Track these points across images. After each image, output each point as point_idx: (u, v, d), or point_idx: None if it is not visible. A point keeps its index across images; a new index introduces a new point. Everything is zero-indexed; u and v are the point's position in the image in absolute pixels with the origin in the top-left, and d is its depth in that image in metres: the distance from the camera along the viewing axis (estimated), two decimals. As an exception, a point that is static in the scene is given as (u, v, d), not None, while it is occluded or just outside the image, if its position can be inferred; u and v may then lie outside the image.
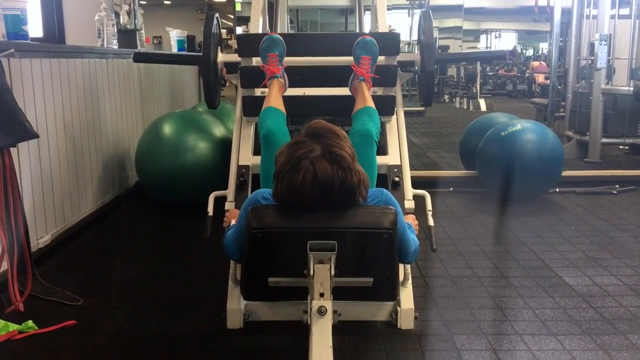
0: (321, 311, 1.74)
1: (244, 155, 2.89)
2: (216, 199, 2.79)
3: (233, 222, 2.22)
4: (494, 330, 2.46)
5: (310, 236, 1.72)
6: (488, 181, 4.62)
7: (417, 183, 4.19)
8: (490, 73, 15.61)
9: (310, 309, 1.78)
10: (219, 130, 4.14)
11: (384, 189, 1.97)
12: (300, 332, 2.02)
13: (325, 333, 1.75)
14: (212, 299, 2.70)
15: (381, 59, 2.91)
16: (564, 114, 7.23)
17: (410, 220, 2.34)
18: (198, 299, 2.80)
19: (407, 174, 2.82)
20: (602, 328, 2.46)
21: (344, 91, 2.91)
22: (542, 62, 14.72)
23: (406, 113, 4.40)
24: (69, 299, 2.74)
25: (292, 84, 2.87)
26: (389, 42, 2.95)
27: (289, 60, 2.89)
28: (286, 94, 2.81)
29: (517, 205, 4.34)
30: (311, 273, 1.74)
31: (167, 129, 4.06)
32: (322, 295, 1.76)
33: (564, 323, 2.51)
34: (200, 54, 3.16)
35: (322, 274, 1.75)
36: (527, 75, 14.85)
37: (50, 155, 3.27)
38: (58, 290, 2.80)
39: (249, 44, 2.97)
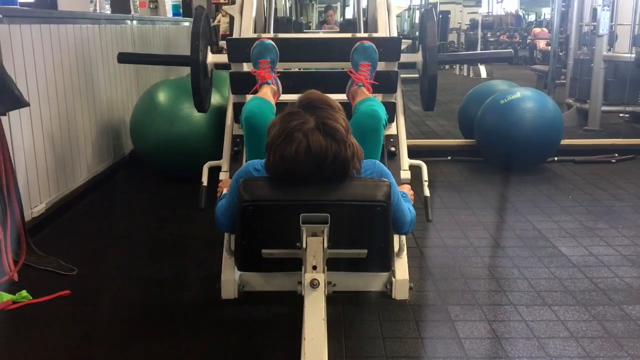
0: (314, 284, 1.73)
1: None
2: (210, 168, 2.77)
3: (225, 191, 2.19)
4: (489, 300, 2.46)
5: (303, 209, 1.69)
6: (486, 150, 4.58)
7: (415, 152, 4.16)
8: (492, 39, 15.43)
9: (304, 281, 1.76)
10: (214, 99, 4.05)
11: (377, 160, 1.94)
12: (295, 303, 2.02)
13: (318, 306, 1.74)
14: (207, 268, 2.70)
15: (380, 64, 2.74)
16: (564, 81, 7.15)
17: (406, 189, 2.32)
18: (193, 269, 2.80)
19: (404, 144, 2.78)
20: (597, 299, 2.46)
21: (341, 98, 2.77)
22: (544, 29, 14.53)
23: (405, 80, 4.31)
24: (63, 268, 2.73)
25: (286, 90, 2.69)
26: (389, 47, 2.77)
27: (282, 65, 2.73)
28: (279, 100, 2.64)
29: (515, 174, 4.32)
30: (304, 246, 1.72)
31: (162, 97, 4.00)
32: (314, 268, 1.75)
33: (559, 294, 2.51)
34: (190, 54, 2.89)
35: (314, 246, 1.73)
36: (528, 41, 14.68)
37: (42, 123, 3.23)
38: (52, 259, 2.79)
39: (240, 49, 2.77)
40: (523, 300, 2.45)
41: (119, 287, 2.59)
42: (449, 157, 4.76)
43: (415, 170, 2.74)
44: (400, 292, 2.45)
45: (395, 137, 2.79)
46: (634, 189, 4.02)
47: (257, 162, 1.92)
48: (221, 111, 3.85)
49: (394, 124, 2.82)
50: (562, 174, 4.40)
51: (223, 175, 2.71)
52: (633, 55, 5.73)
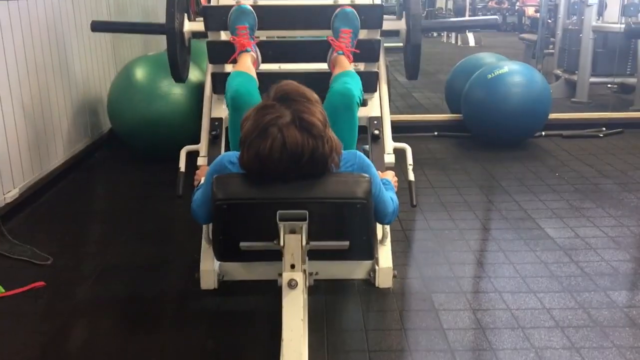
0: (291, 284, 1.67)
1: (217, 106, 2.74)
2: (188, 153, 2.68)
3: (202, 180, 2.11)
4: (474, 287, 2.42)
5: (279, 206, 1.62)
6: (473, 125, 4.51)
7: (401, 127, 4.11)
8: (480, 5, 15.21)
9: (282, 280, 1.70)
10: (194, 75, 3.94)
11: (357, 151, 1.85)
12: (277, 291, 1.95)
13: (297, 306, 1.68)
14: (188, 256, 2.62)
15: (362, 32, 2.67)
16: (553, 50, 7.05)
17: (390, 177, 2.24)
18: (173, 256, 2.73)
19: (388, 127, 2.69)
20: (583, 284, 2.43)
21: (323, 66, 2.67)
22: (533, -6, 14.29)
23: (392, 49, 4.19)
24: (38, 257, 2.65)
25: (266, 60, 2.63)
26: (371, 14, 2.68)
27: (261, 33, 2.67)
28: (259, 70, 2.57)
29: (502, 150, 4.26)
30: (281, 244, 1.65)
31: (140, 74, 3.86)
32: (292, 266, 1.68)
33: (545, 279, 2.47)
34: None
35: (292, 244, 1.66)
36: (517, 7, 14.48)
37: (13, 103, 3.10)
38: (27, 248, 2.71)
39: (217, 16, 2.68)
40: (508, 287, 2.41)
41: (96, 278, 2.52)
42: (436, 133, 4.68)
43: (399, 153, 2.67)
44: (384, 280, 2.40)
45: (379, 119, 2.70)
46: (621, 165, 3.98)
47: (233, 154, 1.83)
48: (201, 88, 3.72)
49: (377, 105, 2.74)
50: (549, 150, 4.35)
51: (201, 161, 2.62)
52: (622, 26, 5.63)
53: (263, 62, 2.60)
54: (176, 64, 2.81)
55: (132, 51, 4.95)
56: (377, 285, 2.40)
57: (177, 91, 3.81)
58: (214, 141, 2.64)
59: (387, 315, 2.22)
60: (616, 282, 2.45)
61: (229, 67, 2.79)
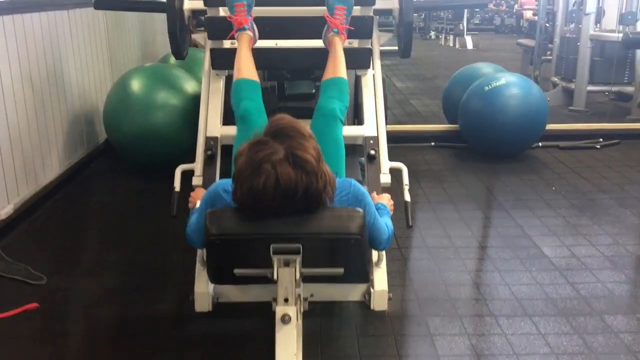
0: (284, 320, 1.66)
1: (212, 125, 2.73)
2: (183, 172, 2.66)
3: (198, 203, 2.10)
4: (469, 311, 2.41)
5: (273, 241, 1.61)
6: (470, 136, 4.50)
7: (398, 138, 4.11)
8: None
9: (275, 314, 1.69)
10: (190, 86, 3.94)
11: (352, 180, 1.85)
12: (272, 314, 1.94)
13: (290, 341, 1.67)
14: (183, 274, 2.59)
15: (356, 9, 2.76)
16: (550, 57, 7.04)
17: (385, 200, 2.24)
18: (169, 275, 2.72)
19: (384, 146, 2.68)
20: (578, 307, 2.42)
21: (318, 43, 2.75)
22: (531, -3, 14.28)
23: (389, 53, 4.20)
24: (32, 277, 2.63)
25: (263, 36, 2.73)
26: None
27: (259, 10, 2.72)
28: (256, 45, 2.68)
29: (499, 162, 4.25)
30: (275, 277, 1.65)
31: (136, 85, 3.85)
32: (286, 300, 1.67)
33: (540, 302, 2.46)
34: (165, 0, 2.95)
35: (286, 278, 1.65)
36: (515, 10, 14.49)
37: (7, 117, 3.08)
38: (21, 267, 2.69)
39: None
40: (504, 310, 2.40)
41: (90, 299, 2.50)
42: (433, 143, 4.67)
43: (395, 173, 2.66)
44: (379, 303, 2.39)
45: (376, 138, 2.69)
46: (617, 178, 3.97)
47: (227, 182, 1.82)
48: (197, 99, 3.70)
49: (373, 125, 2.73)
50: (546, 162, 4.34)
51: (196, 181, 2.61)
52: (620, 35, 5.62)
53: (260, 38, 2.70)
54: (176, 40, 2.96)
55: (129, 61, 4.93)
56: (372, 307, 2.39)
57: (173, 102, 3.81)
58: (209, 161, 2.63)
59: (382, 340, 2.21)
60: (611, 305, 2.44)
61: (227, 43, 2.89)
